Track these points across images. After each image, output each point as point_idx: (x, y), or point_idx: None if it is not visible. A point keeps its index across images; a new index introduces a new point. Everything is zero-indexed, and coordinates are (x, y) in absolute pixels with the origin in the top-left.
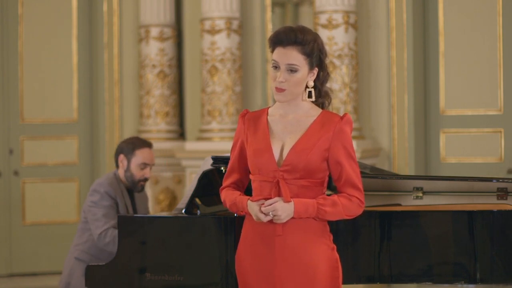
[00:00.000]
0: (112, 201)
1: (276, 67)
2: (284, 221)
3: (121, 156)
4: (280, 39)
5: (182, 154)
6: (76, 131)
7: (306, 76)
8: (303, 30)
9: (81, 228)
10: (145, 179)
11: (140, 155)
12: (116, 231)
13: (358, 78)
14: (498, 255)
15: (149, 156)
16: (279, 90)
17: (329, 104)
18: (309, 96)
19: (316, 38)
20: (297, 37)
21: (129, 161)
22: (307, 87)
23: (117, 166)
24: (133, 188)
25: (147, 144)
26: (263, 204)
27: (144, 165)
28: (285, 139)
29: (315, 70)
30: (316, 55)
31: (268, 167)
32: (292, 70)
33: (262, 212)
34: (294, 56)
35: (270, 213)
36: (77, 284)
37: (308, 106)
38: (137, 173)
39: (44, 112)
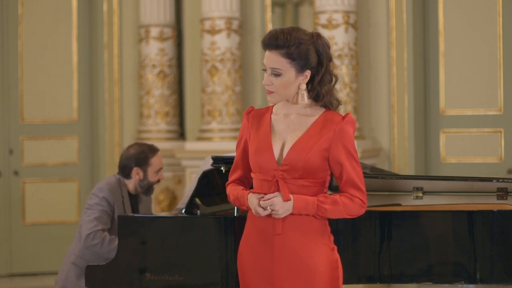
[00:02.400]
0: (108, 207)
1: (265, 70)
2: (282, 216)
3: (136, 169)
4: (265, 43)
5: (182, 154)
6: (76, 131)
7: (294, 79)
8: (290, 33)
9: (78, 232)
10: (159, 181)
11: (155, 163)
12: (105, 234)
13: (358, 78)
14: (498, 255)
15: (161, 160)
16: (268, 92)
17: (338, 105)
18: (302, 98)
19: (309, 40)
20: (279, 41)
21: (145, 172)
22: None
23: (126, 177)
24: (147, 192)
25: (156, 149)
26: (263, 197)
27: (159, 170)
28: (286, 138)
29: (307, 73)
30: (307, 57)
31: (268, 166)
32: (275, 74)
33: (260, 206)
34: (276, 60)
35: (268, 207)
36: None
37: (311, 106)
38: (154, 179)
39: (44, 112)
